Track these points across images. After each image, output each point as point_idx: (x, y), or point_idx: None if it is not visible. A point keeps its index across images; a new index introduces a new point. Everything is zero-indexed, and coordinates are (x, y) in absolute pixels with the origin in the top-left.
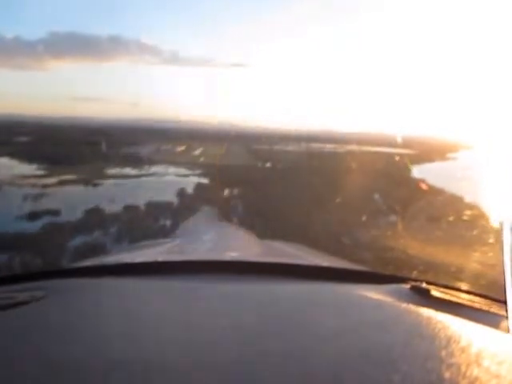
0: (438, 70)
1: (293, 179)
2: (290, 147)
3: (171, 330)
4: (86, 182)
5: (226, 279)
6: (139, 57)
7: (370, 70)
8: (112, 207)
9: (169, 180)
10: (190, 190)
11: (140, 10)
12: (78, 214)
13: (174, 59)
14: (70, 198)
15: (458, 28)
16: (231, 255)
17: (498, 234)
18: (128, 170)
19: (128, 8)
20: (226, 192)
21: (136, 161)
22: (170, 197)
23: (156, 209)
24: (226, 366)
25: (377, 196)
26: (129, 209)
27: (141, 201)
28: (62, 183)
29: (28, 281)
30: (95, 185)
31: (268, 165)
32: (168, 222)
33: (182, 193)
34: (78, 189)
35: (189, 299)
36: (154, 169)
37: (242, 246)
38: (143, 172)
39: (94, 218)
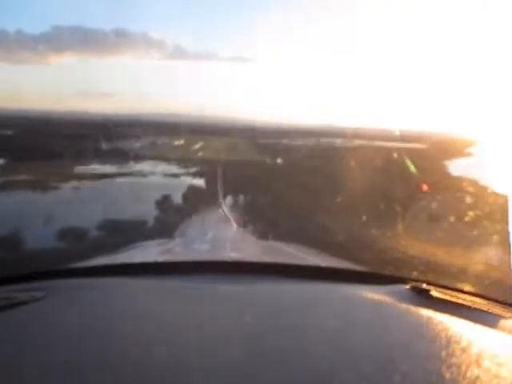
0: (447, 65)
1: (307, 179)
2: (298, 142)
3: (171, 329)
4: (35, 185)
5: (226, 279)
6: (144, 51)
7: (377, 63)
8: (38, 232)
9: (153, 181)
10: (177, 196)
11: (144, 3)
12: None
13: (178, 53)
14: None
15: (468, 19)
16: (231, 255)
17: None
18: (105, 168)
19: (132, 1)
20: (229, 198)
21: (121, 156)
22: (146, 208)
23: (114, 234)
24: (226, 365)
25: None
26: (66, 236)
27: (96, 216)
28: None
29: (28, 281)
30: (45, 188)
31: (278, 161)
32: None
33: (164, 202)
34: (19, 195)
35: (189, 299)
36: (139, 166)
37: (242, 246)
38: (123, 170)
39: None
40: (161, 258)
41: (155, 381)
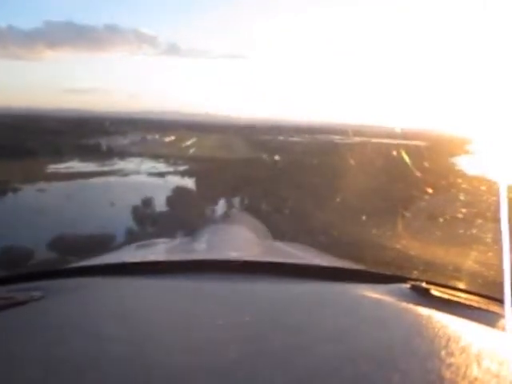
0: (447, 62)
1: (306, 177)
2: (295, 139)
3: (171, 329)
4: (11, 184)
5: (226, 279)
6: (137, 47)
7: (377, 60)
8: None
9: (134, 182)
10: (160, 200)
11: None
12: None
13: (172, 50)
14: None
15: (468, 18)
16: (231, 255)
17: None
18: (83, 166)
19: None
20: (226, 196)
21: (104, 153)
22: (121, 217)
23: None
24: (225, 365)
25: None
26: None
27: (50, 229)
28: None
29: (28, 281)
30: (4, 192)
31: (276, 158)
32: None
33: (160, 200)
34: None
35: (189, 299)
36: (123, 164)
37: (242, 245)
38: (103, 168)
39: None
40: (160, 258)
41: (155, 381)
